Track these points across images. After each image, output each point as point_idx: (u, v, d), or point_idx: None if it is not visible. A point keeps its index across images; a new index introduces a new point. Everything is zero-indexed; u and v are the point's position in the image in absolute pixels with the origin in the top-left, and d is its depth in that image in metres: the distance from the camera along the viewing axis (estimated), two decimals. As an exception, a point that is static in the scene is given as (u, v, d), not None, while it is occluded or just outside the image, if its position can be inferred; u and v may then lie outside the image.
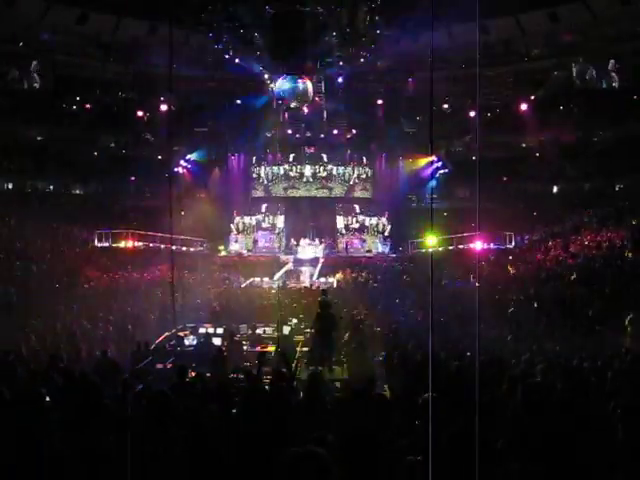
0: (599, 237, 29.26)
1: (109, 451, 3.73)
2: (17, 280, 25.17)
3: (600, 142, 38.40)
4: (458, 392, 7.79)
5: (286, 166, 42.37)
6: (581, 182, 38.04)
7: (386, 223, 40.60)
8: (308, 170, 42.23)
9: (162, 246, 33.02)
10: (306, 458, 2.65)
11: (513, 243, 33.35)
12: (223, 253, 38.87)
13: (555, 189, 39.99)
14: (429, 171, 39.32)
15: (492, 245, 32.86)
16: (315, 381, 9.63)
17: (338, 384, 13.59)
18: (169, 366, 14.77)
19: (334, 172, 42.37)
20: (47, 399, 4.45)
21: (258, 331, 20.18)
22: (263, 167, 42.73)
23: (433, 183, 39.61)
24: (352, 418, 6.04)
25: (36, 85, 35.93)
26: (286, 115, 39.38)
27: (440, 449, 3.62)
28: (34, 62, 35.47)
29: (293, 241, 39.28)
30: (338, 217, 41.75)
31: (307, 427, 5.63)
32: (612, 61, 35.36)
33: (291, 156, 42.29)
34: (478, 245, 31.63)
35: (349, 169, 42.57)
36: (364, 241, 40.63)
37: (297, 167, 42.32)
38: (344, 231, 41.23)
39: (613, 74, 35.49)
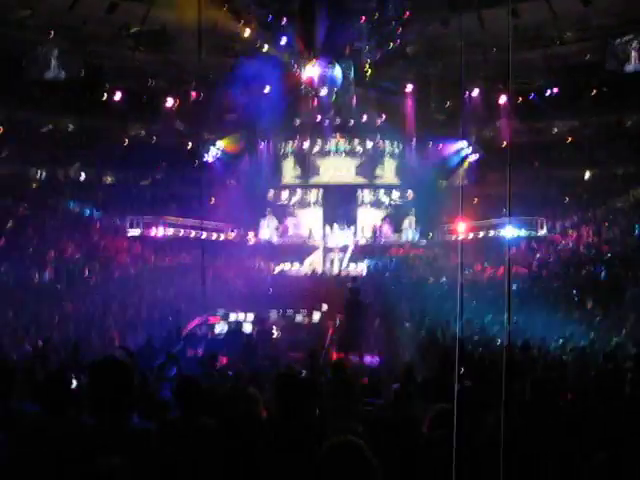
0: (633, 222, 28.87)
1: (141, 436, 3.76)
2: (52, 268, 25.51)
3: (633, 126, 37.80)
4: (489, 380, 7.75)
5: (315, 152, 42.25)
6: (613, 167, 37.48)
7: (412, 210, 40.45)
8: (337, 156, 42.08)
9: (193, 233, 33.20)
10: (347, 449, 2.62)
11: (545, 229, 33.01)
12: (253, 240, 38.97)
13: (587, 174, 39.47)
14: (459, 157, 39.01)
15: (523, 231, 32.56)
16: (340, 369, 9.65)
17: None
18: (200, 353, 14.89)
19: (363, 159, 42.16)
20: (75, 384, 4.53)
21: (288, 317, 20.22)
22: (292, 154, 42.67)
23: (463, 169, 39.31)
24: (382, 407, 6.03)
25: (67, 75, 36.23)
26: (315, 102, 39.25)
27: (475, 440, 3.60)
28: (59, 51, 35.70)
29: (325, 227, 39.25)
30: (365, 205, 41.59)
31: (336, 415, 5.63)
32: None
33: (320, 142, 42.14)
34: (509, 231, 31.42)
35: (378, 155, 42.34)
36: (393, 228, 40.47)
37: (326, 154, 42.18)
38: (373, 218, 41.09)
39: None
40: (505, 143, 36.37)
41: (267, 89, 38.85)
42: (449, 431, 4.60)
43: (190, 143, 38.91)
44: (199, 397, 5.26)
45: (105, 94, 38.96)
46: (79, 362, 11.36)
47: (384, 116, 40.33)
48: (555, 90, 37.36)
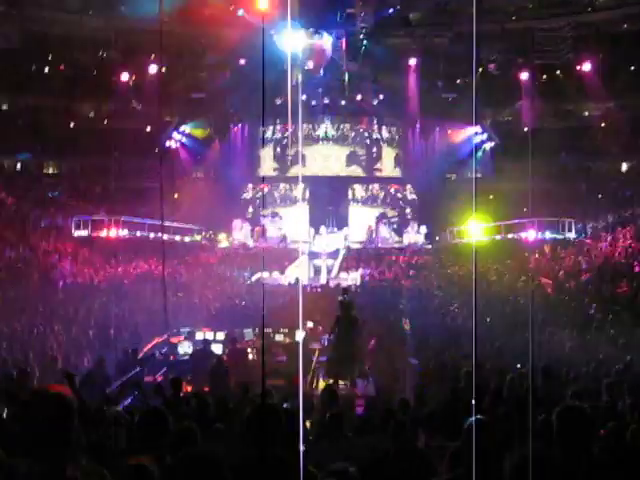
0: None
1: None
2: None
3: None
4: (507, 413, 7.75)
5: (300, 139, 42.23)
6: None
7: (415, 208, 40.58)
8: (326, 144, 42.11)
9: (152, 235, 33.08)
10: None
11: (574, 232, 33.11)
12: (224, 244, 38.93)
13: (624, 166, 39.66)
14: (472, 145, 39.11)
15: (547, 234, 32.66)
16: (332, 398, 9.62)
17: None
18: (160, 378, 14.84)
19: (357, 147, 42.18)
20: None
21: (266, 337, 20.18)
22: (272, 141, 42.64)
23: (476, 159, 39.42)
24: (378, 444, 6.01)
25: (1, 44, 36.01)
26: (300, 78, 39.23)
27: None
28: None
29: (310, 229, 39.23)
30: (358, 202, 41.65)
31: (325, 454, 5.60)
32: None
33: (306, 127, 42.13)
34: (531, 234, 31.49)
35: (375, 142, 42.39)
36: (392, 229, 40.58)
37: (312, 141, 42.19)
38: (367, 218, 41.17)
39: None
40: (527, 128, 36.55)
41: (242, 62, 38.80)
42: (463, 473, 4.58)
43: (149, 127, 38.78)
44: (166, 433, 5.20)
45: (47, 67, 38.81)
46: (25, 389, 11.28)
47: (382, 96, 40.39)
48: (586, 65, 37.47)
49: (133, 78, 39.37)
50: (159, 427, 5.17)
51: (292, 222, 40.84)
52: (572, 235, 32.95)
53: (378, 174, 42.48)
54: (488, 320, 21.10)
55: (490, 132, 38.76)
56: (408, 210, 41.13)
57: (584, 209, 34.73)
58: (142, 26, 35.19)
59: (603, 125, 39.80)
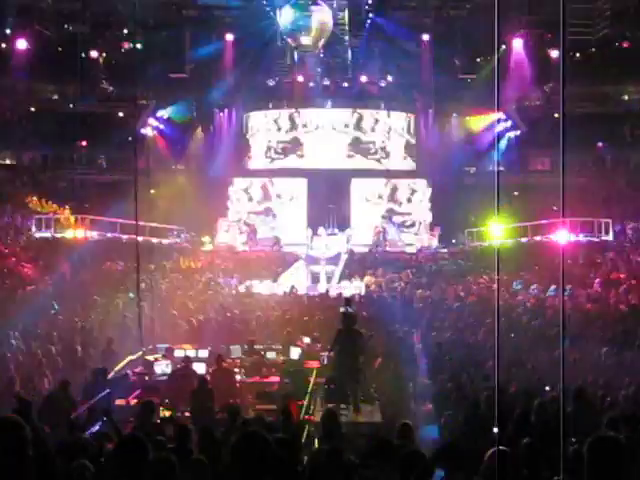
0: None
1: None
2: None
3: None
4: (533, 443, 7.72)
5: (296, 125, 42.23)
6: None
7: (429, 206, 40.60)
8: (326, 133, 42.06)
9: (124, 237, 33.03)
10: None
11: (611, 234, 33.11)
12: (209, 247, 38.86)
13: (669, 158, 39.70)
14: (494, 133, 39.13)
15: (581, 236, 32.65)
16: (333, 424, 9.60)
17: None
18: (133, 402, 14.82)
19: (361, 135, 42.16)
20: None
21: (256, 355, 20.19)
22: (263, 127, 42.61)
23: (499, 150, 39.40)
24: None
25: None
26: (295, 56, 39.23)
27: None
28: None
29: (308, 231, 39.16)
30: (362, 198, 41.60)
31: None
32: None
33: (302, 112, 42.12)
34: (562, 236, 31.47)
35: (383, 129, 42.37)
36: (402, 230, 40.57)
37: (310, 128, 42.17)
38: (373, 217, 41.14)
39: None
40: (557, 115, 36.52)
41: (229, 38, 38.76)
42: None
43: (121, 111, 38.74)
44: (144, 463, 5.16)
45: (4, 43, 38.75)
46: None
47: (390, 77, 40.39)
48: (625, 42, 37.47)
49: (103, 55, 39.33)
50: (137, 456, 5.14)
51: (287, 222, 40.76)
52: (609, 238, 32.94)
53: (385, 166, 42.42)
54: (512, 336, 21.07)
55: (515, 119, 38.75)
56: (421, 208, 41.09)
57: (623, 207, 34.71)
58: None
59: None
